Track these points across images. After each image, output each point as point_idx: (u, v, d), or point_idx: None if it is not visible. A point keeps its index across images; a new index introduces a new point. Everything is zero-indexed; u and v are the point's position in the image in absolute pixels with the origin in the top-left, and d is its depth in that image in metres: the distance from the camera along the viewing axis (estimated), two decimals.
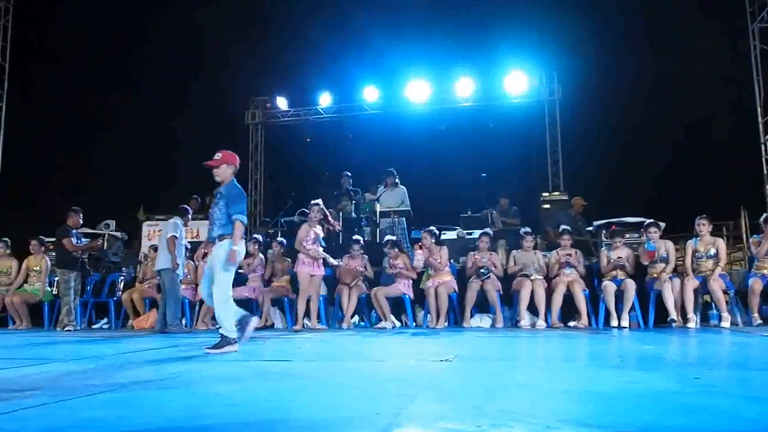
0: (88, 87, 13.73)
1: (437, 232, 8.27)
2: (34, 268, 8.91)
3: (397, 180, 10.29)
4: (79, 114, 13.96)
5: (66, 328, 8.02)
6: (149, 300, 8.59)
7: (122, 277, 9.24)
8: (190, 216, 8.11)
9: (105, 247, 10.02)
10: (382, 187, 10.33)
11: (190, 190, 11.71)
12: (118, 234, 10.57)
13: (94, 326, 8.88)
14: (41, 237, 9.08)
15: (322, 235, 7.54)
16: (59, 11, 13.48)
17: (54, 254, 8.72)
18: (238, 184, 4.89)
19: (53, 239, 8.65)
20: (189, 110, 14.58)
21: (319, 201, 7.59)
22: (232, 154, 4.93)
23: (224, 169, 4.81)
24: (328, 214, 7.67)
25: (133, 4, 14.06)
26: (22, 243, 9.33)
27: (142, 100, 14.09)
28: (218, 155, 4.83)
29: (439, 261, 7.87)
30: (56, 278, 8.65)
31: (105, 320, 8.93)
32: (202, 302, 8.27)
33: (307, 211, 11.39)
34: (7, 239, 9.49)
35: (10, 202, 13.10)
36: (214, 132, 15.30)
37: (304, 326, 7.45)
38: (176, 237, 7.54)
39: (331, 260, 7.65)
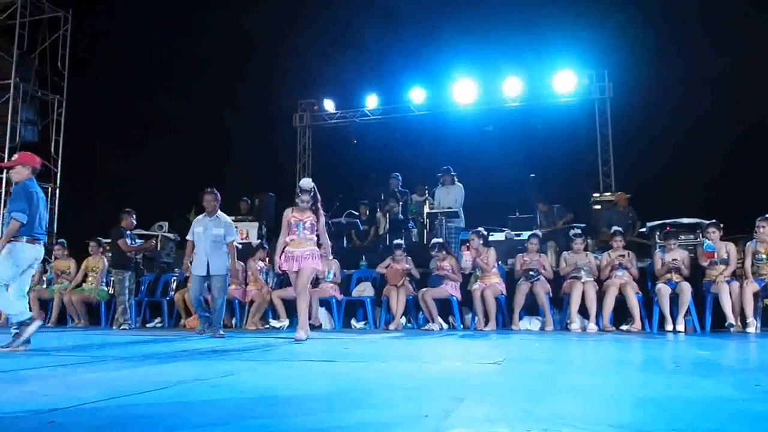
0: (142, 91, 14.12)
1: (485, 233, 8.19)
2: (93, 269, 9.21)
3: (454, 178, 10.16)
4: (133, 118, 14.39)
5: (121, 327, 8.26)
6: None
7: (175, 278, 9.45)
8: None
9: (158, 248, 10.26)
10: (440, 185, 10.25)
11: (240, 192, 11.93)
12: (171, 235, 10.83)
13: (147, 325, 9.12)
14: (99, 238, 9.38)
15: (313, 220, 6.06)
16: (112, 19, 13.90)
17: (110, 255, 9.00)
18: (33, 185, 4.99)
19: (109, 240, 8.92)
20: (238, 113, 14.86)
21: (306, 181, 6.20)
22: (31, 156, 5.07)
23: (19, 169, 4.95)
24: (319, 198, 6.13)
25: (184, 10, 14.41)
26: (79, 244, 9.64)
27: (194, 104, 14.42)
28: (15, 156, 5.03)
29: (486, 262, 7.79)
30: (112, 278, 8.92)
31: (158, 319, 9.16)
32: (251, 302, 8.40)
33: (355, 213, 11.55)
34: (63, 240, 9.85)
35: (68, 204, 13.60)
36: (262, 134, 15.55)
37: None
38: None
39: (325, 254, 6.33)
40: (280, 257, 5.96)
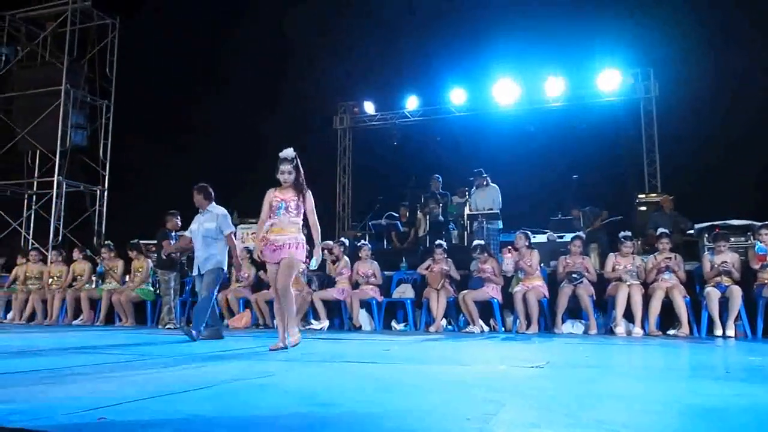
0: (186, 94, 14.40)
1: (531, 235, 8.11)
2: (138, 270, 9.43)
3: (487, 179, 10.15)
4: (177, 121, 14.68)
5: (167, 326, 8.42)
6: (243, 300, 8.88)
7: None
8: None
9: None
10: (474, 188, 10.25)
11: None
12: None
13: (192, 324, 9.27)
14: (136, 242, 9.56)
15: (299, 200, 5.01)
16: (157, 25, 14.18)
17: (156, 256, 9.19)
18: None
19: (154, 241, 9.11)
20: (280, 116, 15.02)
21: (288, 150, 5.15)
22: None
23: None
24: (302, 173, 5.09)
25: (227, 14, 14.67)
26: (127, 245, 9.82)
27: (236, 106, 14.67)
28: None
29: (529, 264, 7.70)
30: (157, 278, 9.11)
31: None
32: None
33: (396, 215, 11.56)
34: (110, 242, 10.09)
35: (116, 205, 13.94)
36: (303, 137, 15.69)
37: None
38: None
39: (317, 253, 5.14)
40: (261, 244, 4.97)
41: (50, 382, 2.99)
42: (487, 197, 10.02)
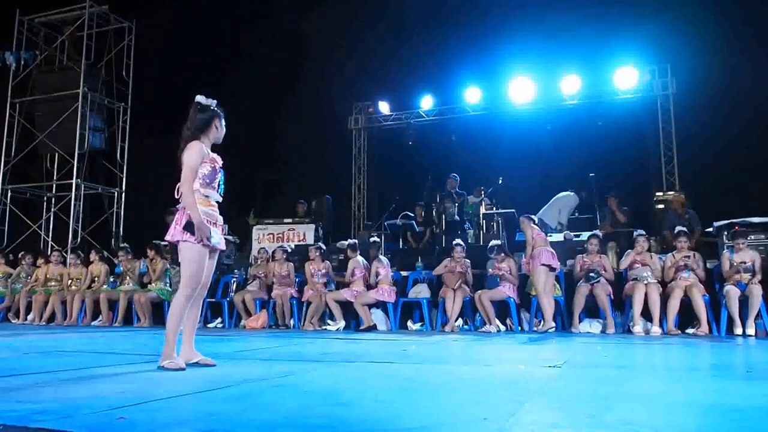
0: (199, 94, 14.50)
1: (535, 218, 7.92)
2: (153, 270, 9.50)
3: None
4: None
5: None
6: (259, 300, 8.92)
7: (234, 279, 9.64)
8: None
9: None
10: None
11: (297, 194, 12.08)
12: (231, 238, 11.05)
13: (209, 325, 9.33)
14: (157, 243, 9.62)
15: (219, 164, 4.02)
16: (173, 28, 14.27)
17: (171, 254, 9.23)
18: None
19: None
20: (294, 116, 15.08)
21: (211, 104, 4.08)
22: None
23: None
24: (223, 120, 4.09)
25: (240, 16, 14.74)
26: (145, 246, 9.88)
27: (251, 107, 14.68)
28: None
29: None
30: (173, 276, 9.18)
31: (219, 320, 9.36)
32: (309, 303, 8.48)
33: (411, 215, 11.53)
34: (126, 245, 10.18)
35: (134, 207, 14.06)
36: (318, 137, 15.73)
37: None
38: None
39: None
40: (204, 223, 3.65)
41: (75, 383, 3.03)
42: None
